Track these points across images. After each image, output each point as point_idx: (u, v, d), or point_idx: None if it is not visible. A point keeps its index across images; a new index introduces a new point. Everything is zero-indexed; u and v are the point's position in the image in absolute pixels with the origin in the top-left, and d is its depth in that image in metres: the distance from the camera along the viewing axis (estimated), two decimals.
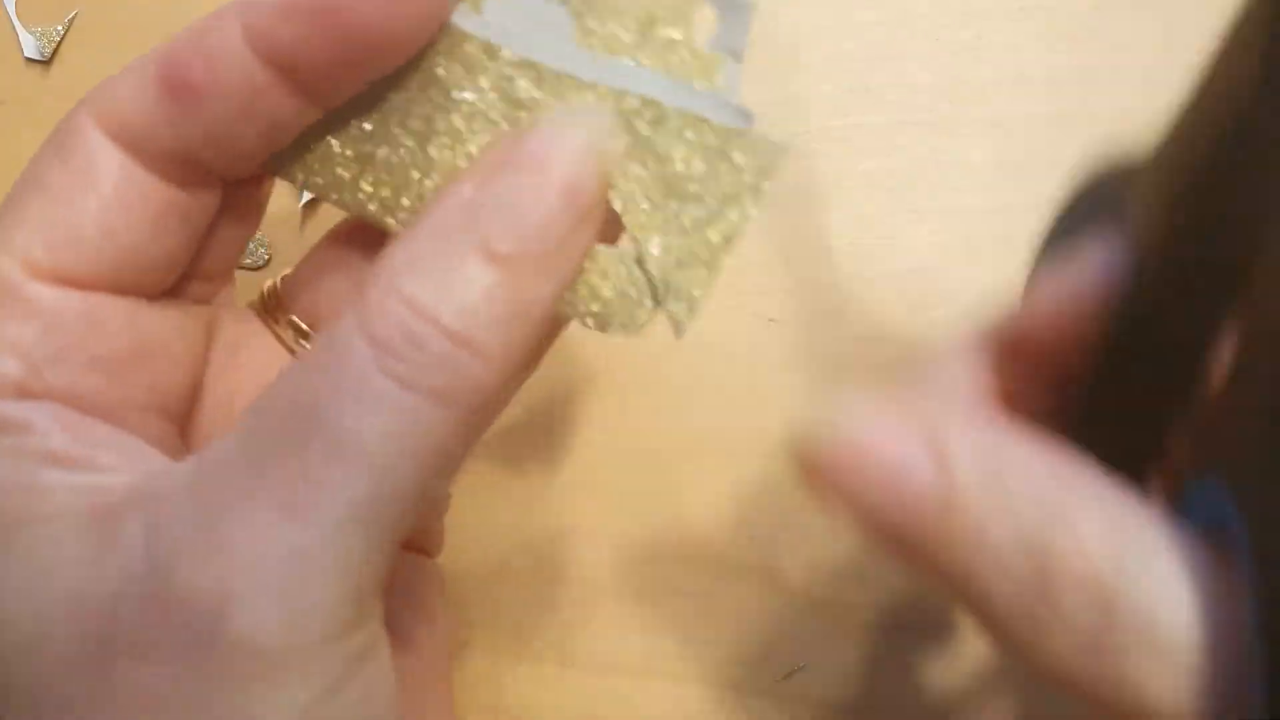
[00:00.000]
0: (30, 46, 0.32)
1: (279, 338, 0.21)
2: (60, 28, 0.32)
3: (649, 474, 0.28)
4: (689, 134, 0.17)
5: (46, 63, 0.32)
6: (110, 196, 0.17)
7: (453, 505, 0.24)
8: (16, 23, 0.32)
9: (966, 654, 0.26)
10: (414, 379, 0.15)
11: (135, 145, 0.17)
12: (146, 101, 0.17)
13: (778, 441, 0.28)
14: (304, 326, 0.21)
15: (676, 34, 0.17)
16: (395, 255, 0.16)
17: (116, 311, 0.17)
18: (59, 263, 0.17)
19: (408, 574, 0.22)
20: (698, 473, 0.27)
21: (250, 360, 0.20)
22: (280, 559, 0.15)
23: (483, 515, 0.28)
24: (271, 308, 0.21)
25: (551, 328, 0.19)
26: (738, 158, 0.17)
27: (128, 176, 0.17)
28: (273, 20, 0.16)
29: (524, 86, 0.17)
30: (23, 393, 0.16)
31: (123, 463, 0.16)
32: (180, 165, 0.17)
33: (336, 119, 0.18)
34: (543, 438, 0.28)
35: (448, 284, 0.15)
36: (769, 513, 0.27)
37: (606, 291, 0.17)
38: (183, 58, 0.16)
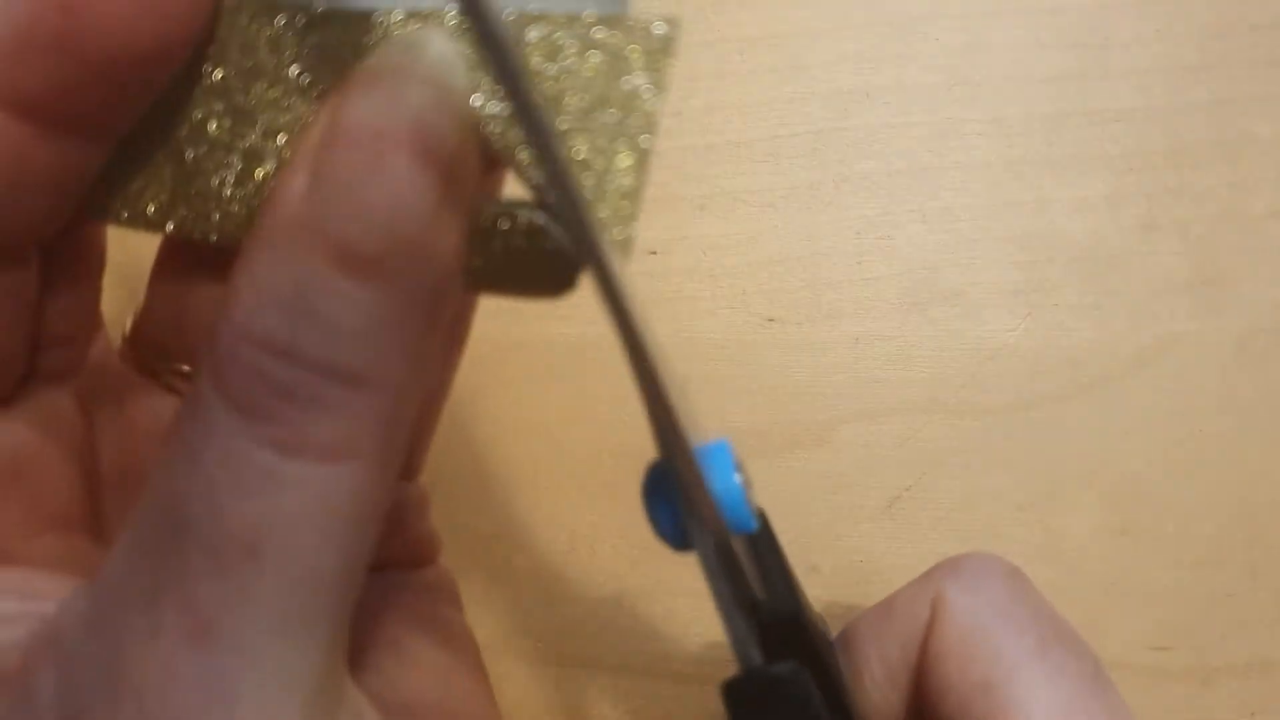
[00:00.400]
0: None
1: (165, 385, 0.18)
2: None
3: None
4: (557, 36, 0.13)
5: None
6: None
7: (452, 505, 0.24)
8: None
9: None
10: (295, 440, 0.12)
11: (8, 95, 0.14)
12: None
13: (778, 441, 0.28)
14: (186, 370, 0.18)
15: None
16: (238, 283, 0.12)
17: None
18: None
19: (408, 597, 0.19)
20: None
21: (143, 419, 0.18)
22: (200, 694, 0.12)
23: (482, 515, 0.28)
24: (141, 356, 0.18)
25: (461, 303, 0.17)
26: (622, 49, 0.13)
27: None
28: (8, 67, 0.13)
29: (332, 36, 0.14)
30: None
31: (19, 608, 0.14)
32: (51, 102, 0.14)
33: (142, 137, 0.15)
34: (542, 437, 0.28)
35: (302, 307, 0.12)
36: (768, 513, 0.27)
37: (513, 246, 0.14)
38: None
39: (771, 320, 0.28)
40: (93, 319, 0.18)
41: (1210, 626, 0.26)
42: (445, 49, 0.13)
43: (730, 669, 0.18)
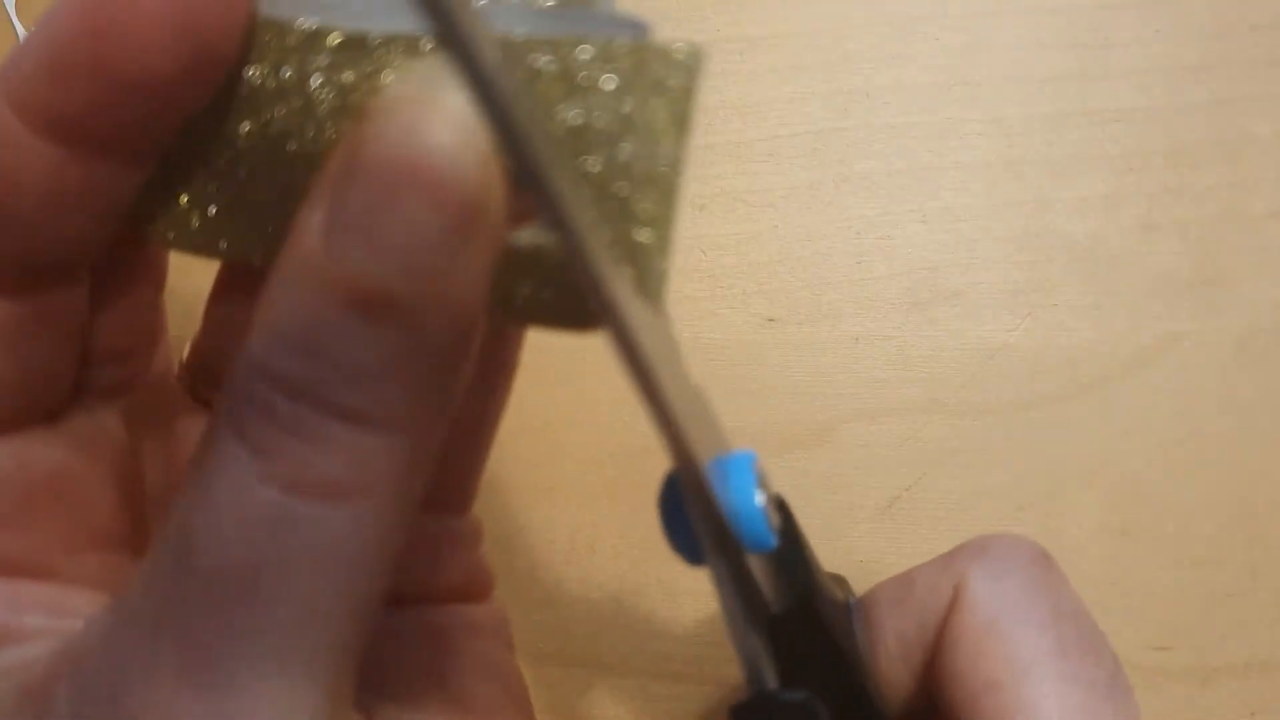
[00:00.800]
0: None
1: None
2: None
3: (649, 473, 0.28)
4: (585, 59, 0.13)
5: None
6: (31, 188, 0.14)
7: None
8: (16, 23, 0.32)
9: None
10: (304, 480, 0.12)
11: (42, 115, 0.13)
12: (45, 73, 0.13)
13: (778, 441, 0.28)
14: None
15: None
16: (256, 318, 0.12)
17: (16, 456, 0.15)
18: None
19: (458, 633, 0.19)
20: None
21: (190, 443, 0.17)
22: None
23: (482, 516, 0.28)
24: (196, 381, 0.18)
25: (505, 334, 0.17)
26: (654, 73, 0.13)
27: (45, 160, 0.14)
28: (45, 90, 0.13)
29: (361, 62, 0.13)
30: None
31: (52, 624, 0.14)
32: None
33: (186, 155, 0.15)
34: (542, 438, 0.28)
35: (316, 346, 0.12)
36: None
37: (545, 290, 0.14)
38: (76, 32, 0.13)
39: (771, 320, 0.28)
40: (149, 336, 0.18)
41: (1210, 626, 0.26)
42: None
43: (733, 667, 0.18)
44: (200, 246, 0.15)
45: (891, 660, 0.18)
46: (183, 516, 0.13)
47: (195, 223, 0.15)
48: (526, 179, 0.11)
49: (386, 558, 0.13)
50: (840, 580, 0.19)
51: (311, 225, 0.12)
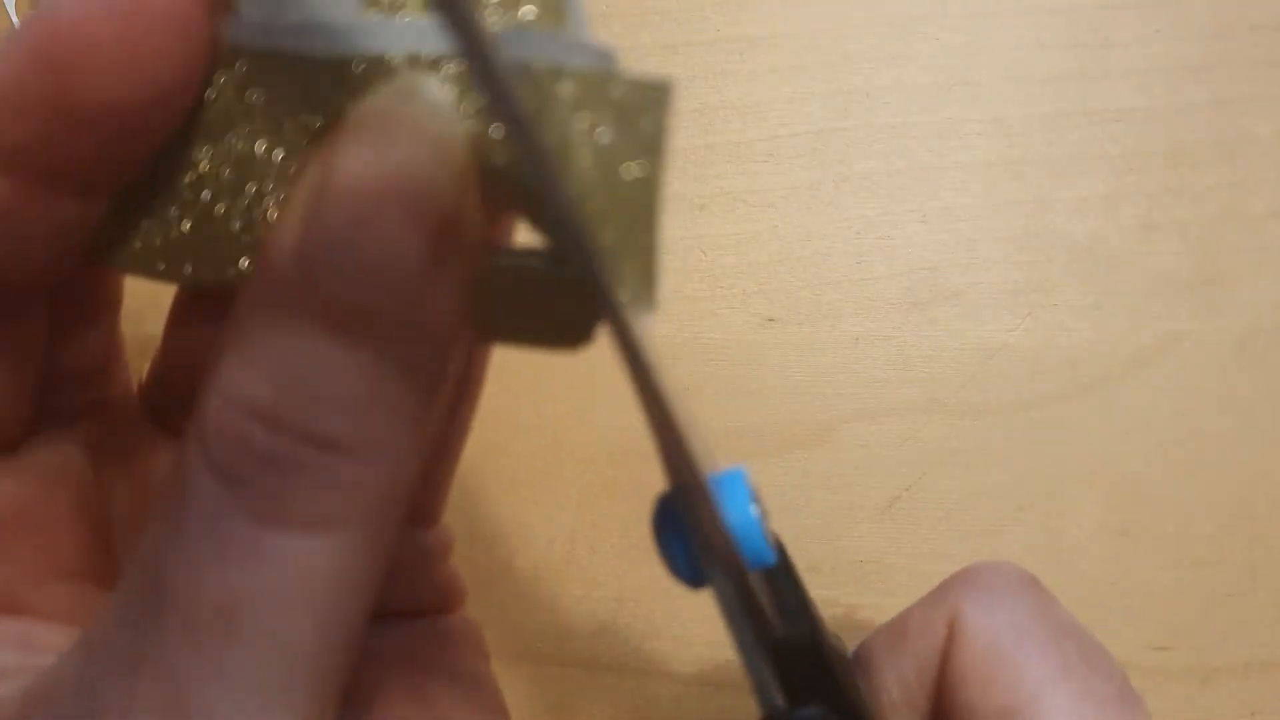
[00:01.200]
0: None
1: (179, 434, 0.18)
2: None
3: (649, 474, 0.28)
4: (558, 89, 0.12)
5: None
6: None
7: (452, 506, 0.24)
8: (16, 23, 0.32)
9: None
10: (277, 512, 0.12)
11: None
12: None
13: (778, 441, 0.28)
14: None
15: None
16: (225, 344, 0.12)
17: None
18: None
19: (430, 645, 0.19)
20: None
21: (155, 469, 0.17)
22: None
23: (483, 516, 0.28)
24: (156, 404, 0.18)
25: (473, 351, 0.17)
26: (621, 101, 0.13)
27: None
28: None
29: (325, 84, 0.13)
30: None
31: (21, 661, 0.14)
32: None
33: (147, 183, 0.14)
34: (542, 438, 0.28)
35: (287, 372, 0.11)
36: (766, 510, 0.27)
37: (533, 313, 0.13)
38: None
39: (771, 320, 0.28)
40: (107, 361, 0.17)
41: (1210, 626, 0.26)
42: (440, 95, 0.12)
43: (732, 667, 0.18)
44: (163, 273, 0.15)
45: (896, 708, 0.18)
46: (155, 550, 0.12)
47: (158, 247, 0.15)
48: (529, 192, 0.11)
49: (369, 585, 0.13)
50: (838, 639, 0.19)
51: (281, 246, 0.12)
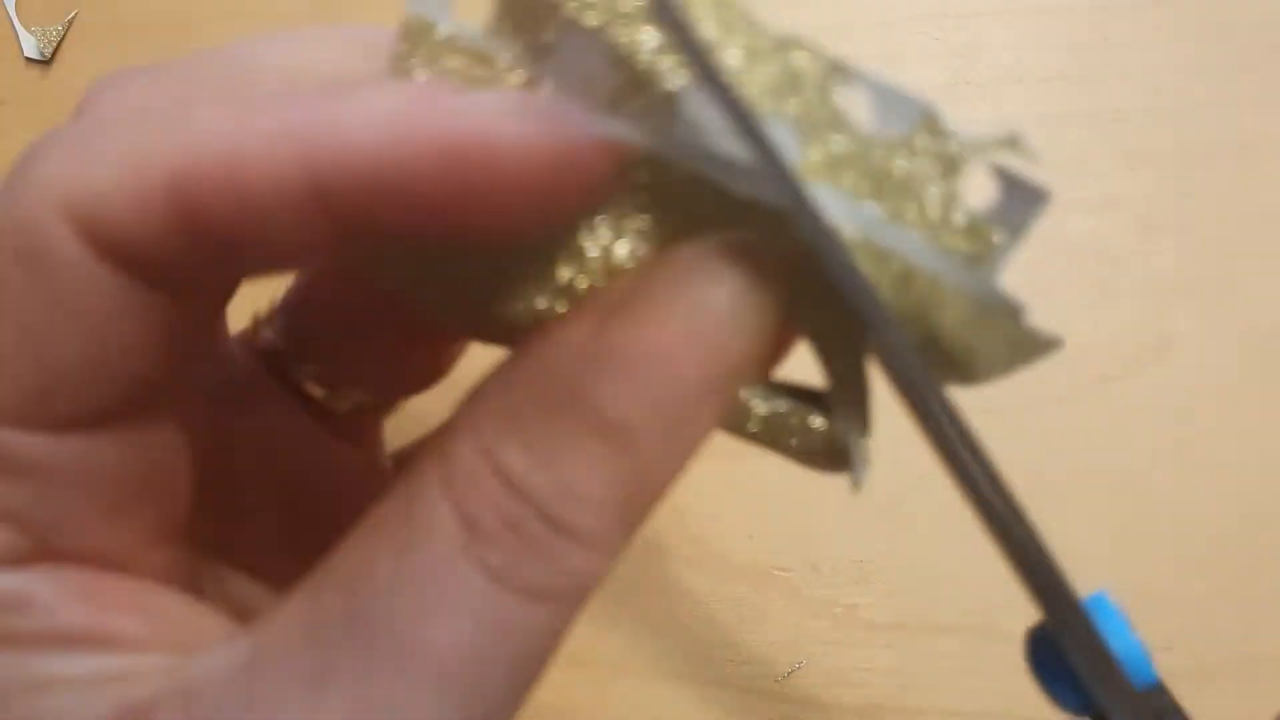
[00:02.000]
0: (30, 46, 0.32)
1: (296, 392, 0.18)
2: (60, 27, 0.32)
3: None
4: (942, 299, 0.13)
5: (46, 63, 0.32)
6: (99, 323, 0.13)
7: None
8: (16, 23, 0.32)
9: (966, 653, 0.26)
10: (508, 572, 0.12)
11: (126, 259, 0.12)
12: (150, 220, 0.12)
13: None
14: (319, 394, 0.18)
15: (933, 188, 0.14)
16: (490, 403, 0.13)
17: (116, 447, 0.14)
18: (46, 409, 0.13)
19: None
20: (698, 473, 0.27)
21: (258, 429, 0.17)
22: None
23: None
24: (274, 357, 0.18)
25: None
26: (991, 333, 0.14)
27: (116, 295, 0.13)
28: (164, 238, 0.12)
29: (706, 202, 0.13)
30: (20, 560, 0.13)
31: (151, 633, 0.14)
32: (187, 280, 0.13)
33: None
34: None
35: (552, 459, 0.12)
36: (769, 512, 0.27)
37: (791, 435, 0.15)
38: (203, 187, 0.12)
39: None
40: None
41: (1210, 626, 0.26)
42: (776, 257, 0.13)
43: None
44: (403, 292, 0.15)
45: None
46: (364, 571, 0.12)
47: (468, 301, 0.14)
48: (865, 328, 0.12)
49: (542, 671, 0.14)
50: None
51: (574, 336, 0.12)
